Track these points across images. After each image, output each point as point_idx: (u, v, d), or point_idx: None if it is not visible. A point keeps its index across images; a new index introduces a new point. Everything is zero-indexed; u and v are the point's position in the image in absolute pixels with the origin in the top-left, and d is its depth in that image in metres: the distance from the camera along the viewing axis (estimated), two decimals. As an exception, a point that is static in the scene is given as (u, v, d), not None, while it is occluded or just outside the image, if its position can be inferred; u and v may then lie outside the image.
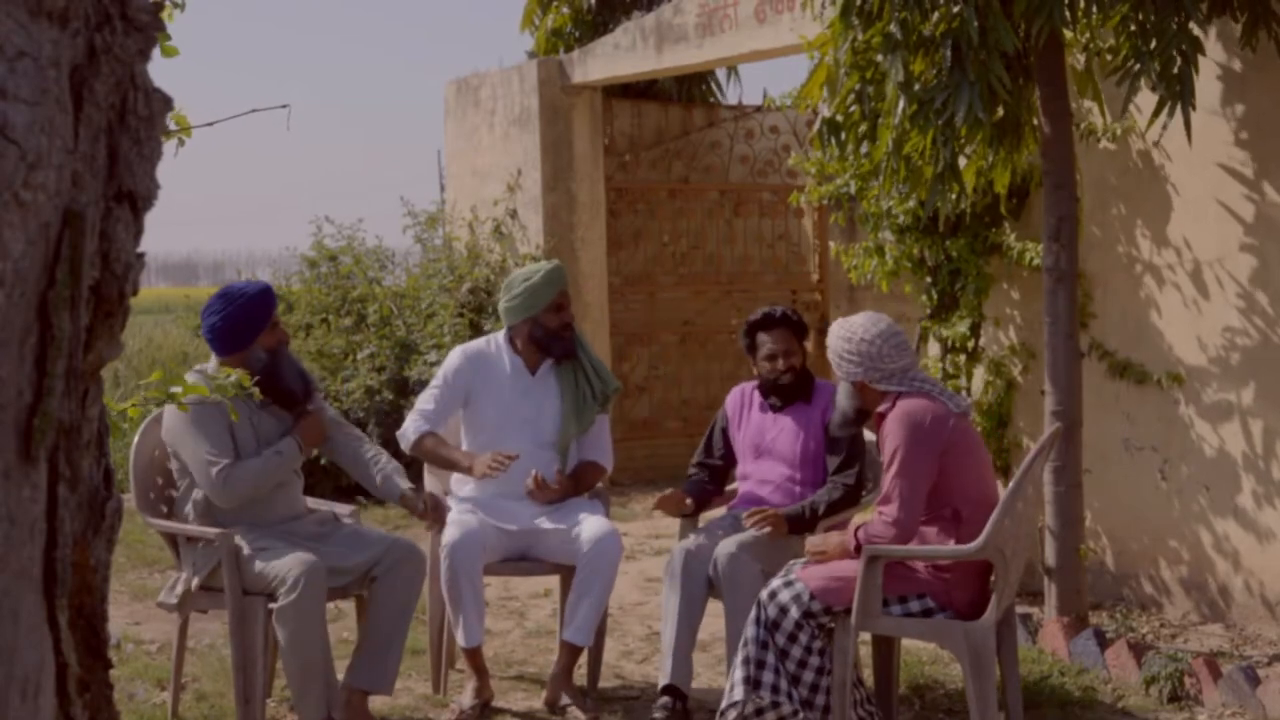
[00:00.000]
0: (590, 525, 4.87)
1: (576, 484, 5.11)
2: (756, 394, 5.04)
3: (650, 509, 8.72)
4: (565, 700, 4.81)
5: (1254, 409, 5.62)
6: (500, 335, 5.22)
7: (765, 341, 4.93)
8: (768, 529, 4.64)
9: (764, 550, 4.64)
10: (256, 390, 4.28)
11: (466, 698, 4.83)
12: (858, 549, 4.16)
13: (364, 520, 5.29)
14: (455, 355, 5.20)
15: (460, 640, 4.82)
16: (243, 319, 4.54)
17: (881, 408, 4.30)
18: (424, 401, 5.14)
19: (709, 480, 5.06)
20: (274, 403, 4.60)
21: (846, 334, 4.36)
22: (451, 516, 4.91)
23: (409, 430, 5.09)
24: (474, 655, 4.85)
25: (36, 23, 1.08)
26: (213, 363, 4.60)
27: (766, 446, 4.93)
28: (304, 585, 4.32)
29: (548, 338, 5.08)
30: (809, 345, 5.26)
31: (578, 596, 4.83)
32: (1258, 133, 5.55)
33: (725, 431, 5.08)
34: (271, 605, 4.39)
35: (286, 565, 4.36)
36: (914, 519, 4.15)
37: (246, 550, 4.45)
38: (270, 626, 4.43)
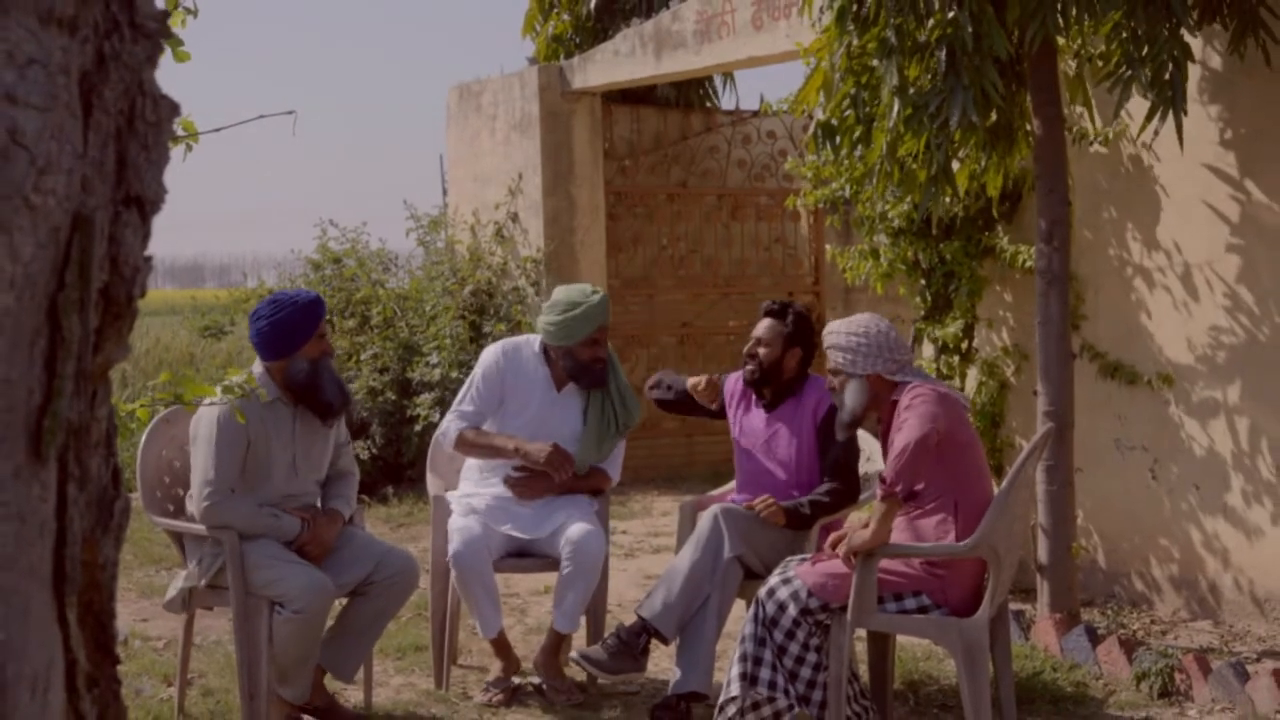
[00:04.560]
0: (574, 528, 4.92)
1: (580, 483, 5.14)
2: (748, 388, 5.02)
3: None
4: (541, 681, 4.95)
5: (1242, 408, 5.66)
6: (537, 340, 5.17)
7: (757, 327, 4.95)
8: (778, 519, 4.68)
9: (765, 546, 4.68)
10: (263, 391, 4.30)
11: (495, 680, 4.98)
12: (884, 496, 4.10)
13: (367, 519, 5.31)
14: (493, 352, 5.16)
15: (480, 633, 4.99)
16: (289, 327, 4.54)
17: (894, 395, 4.31)
18: (462, 403, 5.13)
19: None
20: (310, 412, 4.61)
21: (857, 330, 4.37)
22: (452, 524, 4.97)
23: (449, 430, 5.10)
24: (496, 642, 5.02)
25: (46, 30, 1.07)
26: (258, 365, 4.62)
27: (761, 451, 4.94)
28: (312, 608, 4.40)
29: (577, 368, 5.05)
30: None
31: (563, 590, 4.93)
32: (1245, 136, 5.60)
33: (724, 407, 5.08)
34: (277, 609, 4.44)
35: (297, 586, 4.39)
36: (913, 472, 4.09)
37: (255, 557, 4.46)
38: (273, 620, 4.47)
